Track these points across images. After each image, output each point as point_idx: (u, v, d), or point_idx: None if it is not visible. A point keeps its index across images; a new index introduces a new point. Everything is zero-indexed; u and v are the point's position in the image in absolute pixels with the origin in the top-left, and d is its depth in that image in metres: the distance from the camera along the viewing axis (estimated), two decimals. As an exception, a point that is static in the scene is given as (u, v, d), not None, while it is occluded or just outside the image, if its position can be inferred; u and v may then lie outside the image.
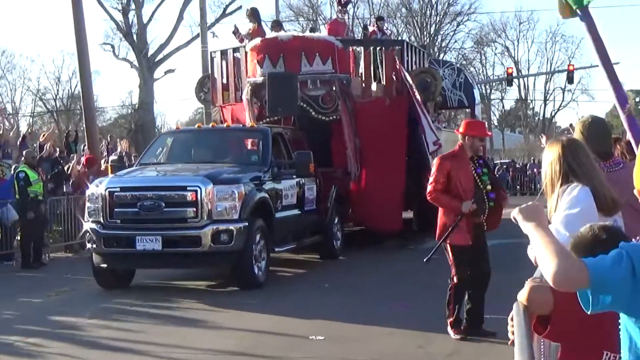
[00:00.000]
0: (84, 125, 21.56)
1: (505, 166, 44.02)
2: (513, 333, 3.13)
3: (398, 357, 8.29)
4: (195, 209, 11.58)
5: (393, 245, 16.41)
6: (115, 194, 11.91)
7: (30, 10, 76.38)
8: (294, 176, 13.82)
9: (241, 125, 15.71)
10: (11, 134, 22.04)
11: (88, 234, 12.01)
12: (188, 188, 11.76)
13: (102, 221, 11.84)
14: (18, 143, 19.62)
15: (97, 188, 12.13)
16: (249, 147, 13.98)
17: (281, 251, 13.40)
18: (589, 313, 2.54)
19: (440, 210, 8.41)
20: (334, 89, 15.93)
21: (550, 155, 4.23)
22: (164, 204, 11.68)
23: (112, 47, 44.42)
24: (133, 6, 41.81)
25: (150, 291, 12.12)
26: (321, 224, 14.79)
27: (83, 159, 15.50)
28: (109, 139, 24.94)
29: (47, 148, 17.83)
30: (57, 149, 20.27)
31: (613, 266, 2.49)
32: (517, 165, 47.72)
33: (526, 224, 2.83)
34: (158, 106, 48.24)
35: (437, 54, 49.93)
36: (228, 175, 12.24)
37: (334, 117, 15.91)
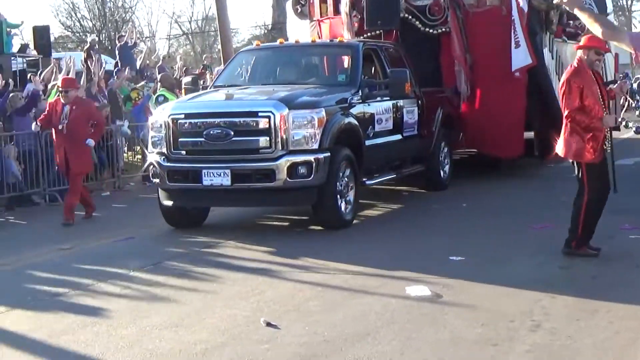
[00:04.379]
0: (220, 46, 21.50)
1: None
2: None
3: (540, 279, 7.60)
4: (268, 138, 9.99)
5: (509, 173, 14.72)
6: (179, 121, 10.34)
7: None
8: (390, 98, 12.00)
9: (328, 40, 14.03)
10: (153, 57, 22.91)
11: (152, 166, 10.53)
12: (260, 114, 10.09)
13: (165, 152, 10.37)
14: (157, 67, 20.19)
15: (160, 114, 10.65)
16: (337, 65, 12.28)
17: (374, 184, 11.77)
18: None
19: (568, 130, 8.18)
20: None
21: None
22: (232, 133, 10.06)
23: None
24: None
25: (226, 231, 10.68)
26: (425, 151, 13.02)
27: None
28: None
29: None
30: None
31: None
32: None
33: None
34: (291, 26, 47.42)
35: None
36: (307, 98, 10.51)
37: (443, 29, 14.19)
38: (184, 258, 9.18)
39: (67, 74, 15.37)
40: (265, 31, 44.42)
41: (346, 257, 8.69)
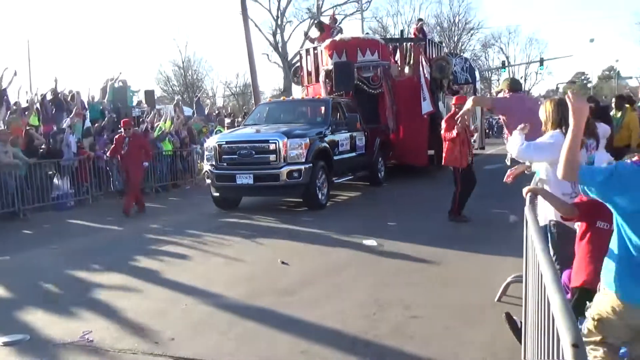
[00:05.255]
0: (253, 102, 21.15)
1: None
2: None
3: (440, 235, 7.47)
4: (275, 155, 9.42)
5: (420, 175, 13.95)
6: (222, 145, 9.80)
7: (219, 37, 73.54)
8: (348, 131, 11.34)
9: (311, 97, 13.34)
10: (213, 108, 21.93)
11: (206, 172, 10.00)
12: (270, 141, 9.52)
13: (214, 164, 9.80)
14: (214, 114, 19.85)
15: (211, 141, 10.11)
16: (316, 112, 11.50)
17: (339, 181, 11.05)
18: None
19: (447, 145, 8.04)
20: (379, 72, 13.38)
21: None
22: (254, 152, 9.54)
23: (267, 55, 42.30)
24: (278, 31, 40.59)
25: (251, 211, 10.07)
26: (369, 162, 12.33)
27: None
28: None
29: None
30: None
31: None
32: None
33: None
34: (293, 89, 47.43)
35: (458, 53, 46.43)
36: (298, 131, 9.91)
37: (379, 90, 13.45)
38: (227, 225, 8.76)
39: (165, 119, 15.26)
40: (280, 92, 44.19)
41: (324, 225, 8.28)
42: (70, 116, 12.54)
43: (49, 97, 13.80)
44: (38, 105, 13.36)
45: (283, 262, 6.15)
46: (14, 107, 12.44)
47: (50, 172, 11.26)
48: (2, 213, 9.92)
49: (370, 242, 6.97)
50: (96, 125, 13.64)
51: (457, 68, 15.77)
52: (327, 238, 7.42)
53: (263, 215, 9.40)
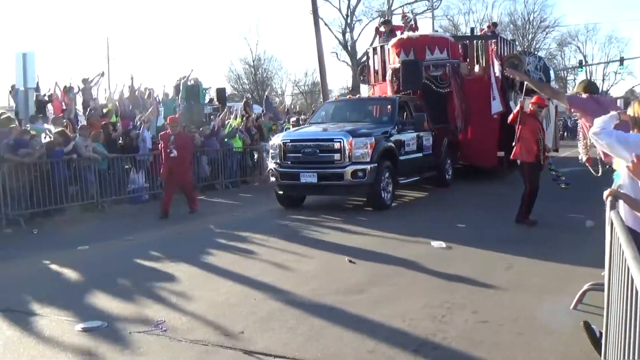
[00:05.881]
0: (322, 100, 21.21)
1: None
2: None
3: (509, 239, 7.30)
4: (340, 154, 9.41)
5: (489, 177, 13.56)
6: (287, 143, 9.86)
7: (289, 35, 74.32)
8: (414, 131, 11.17)
9: (378, 96, 13.25)
10: (281, 106, 22.16)
11: (271, 170, 10.07)
12: (335, 140, 9.53)
13: (279, 162, 9.88)
14: (285, 112, 20.23)
15: (276, 140, 10.18)
16: (382, 111, 11.40)
17: (405, 182, 10.84)
18: None
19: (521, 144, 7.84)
20: (448, 70, 13.09)
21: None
22: (318, 151, 9.57)
23: (336, 54, 42.70)
24: (348, 29, 40.74)
25: (316, 209, 10.07)
26: (436, 162, 12.10)
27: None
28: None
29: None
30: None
31: None
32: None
33: None
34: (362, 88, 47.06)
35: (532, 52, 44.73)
36: (364, 130, 9.87)
37: (448, 89, 13.13)
38: (294, 223, 8.81)
39: (235, 116, 15.62)
40: (348, 90, 44.16)
41: (390, 225, 8.17)
42: (146, 113, 13.05)
43: (126, 94, 14.48)
44: (117, 102, 14.07)
45: (350, 261, 6.15)
46: (93, 104, 13.12)
47: (127, 167, 11.78)
48: (83, 204, 10.42)
49: (438, 243, 6.86)
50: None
51: (531, 67, 15.18)
52: (394, 238, 7.35)
53: (328, 214, 9.40)
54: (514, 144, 7.94)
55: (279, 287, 5.32)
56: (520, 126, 7.78)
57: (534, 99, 8.25)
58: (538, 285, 5.15)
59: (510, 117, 7.99)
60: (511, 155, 8.05)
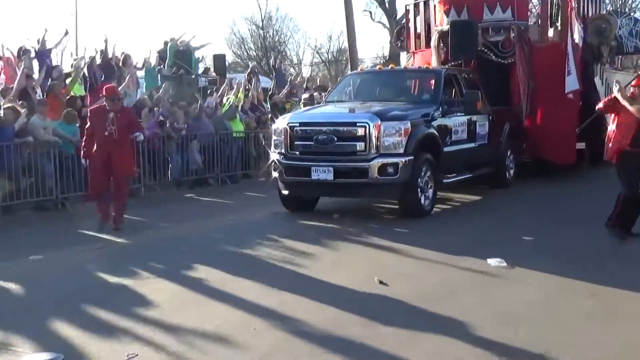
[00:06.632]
0: (349, 71, 20.78)
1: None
2: None
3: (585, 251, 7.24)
4: (364, 143, 8.89)
5: (564, 174, 12.93)
6: (295, 128, 9.33)
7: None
8: (465, 114, 10.59)
9: (417, 67, 12.79)
10: (299, 79, 21.29)
11: (274, 163, 9.53)
12: (358, 124, 8.97)
13: (284, 152, 9.38)
14: (303, 86, 19.49)
15: (280, 122, 9.68)
16: (423, 86, 10.87)
17: (452, 182, 10.29)
18: None
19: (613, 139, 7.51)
20: (512, 34, 12.51)
21: None
22: (336, 138, 9.04)
23: (370, 13, 42.25)
24: None
25: (334, 214, 9.64)
26: (493, 156, 11.50)
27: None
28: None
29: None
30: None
31: None
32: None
33: None
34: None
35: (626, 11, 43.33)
36: (396, 112, 9.28)
37: (511, 60, 12.51)
38: (308, 231, 8.58)
39: (236, 91, 15.17)
40: (384, 61, 43.55)
41: (432, 237, 7.96)
42: (122, 85, 12.69)
43: (97, 61, 13.99)
44: (85, 70, 13.61)
45: (381, 282, 6.06)
46: (55, 72, 12.67)
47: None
48: (38, 201, 10.20)
49: (496, 261, 6.74)
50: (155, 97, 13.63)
51: (624, 31, 14.60)
52: (437, 255, 7.13)
53: (352, 221, 9.08)
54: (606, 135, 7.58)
55: (286, 313, 5.21)
56: (615, 115, 7.47)
57: (635, 79, 7.82)
58: (630, 314, 5.04)
59: (601, 104, 7.67)
60: (604, 156, 7.67)
